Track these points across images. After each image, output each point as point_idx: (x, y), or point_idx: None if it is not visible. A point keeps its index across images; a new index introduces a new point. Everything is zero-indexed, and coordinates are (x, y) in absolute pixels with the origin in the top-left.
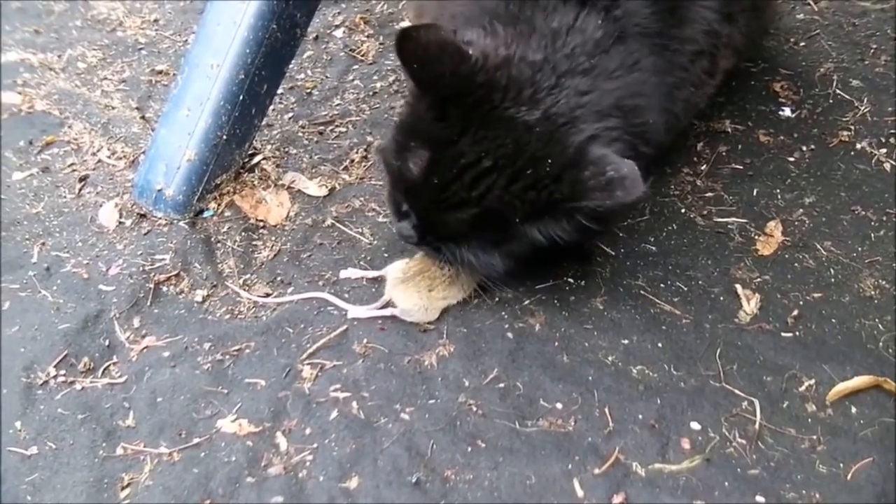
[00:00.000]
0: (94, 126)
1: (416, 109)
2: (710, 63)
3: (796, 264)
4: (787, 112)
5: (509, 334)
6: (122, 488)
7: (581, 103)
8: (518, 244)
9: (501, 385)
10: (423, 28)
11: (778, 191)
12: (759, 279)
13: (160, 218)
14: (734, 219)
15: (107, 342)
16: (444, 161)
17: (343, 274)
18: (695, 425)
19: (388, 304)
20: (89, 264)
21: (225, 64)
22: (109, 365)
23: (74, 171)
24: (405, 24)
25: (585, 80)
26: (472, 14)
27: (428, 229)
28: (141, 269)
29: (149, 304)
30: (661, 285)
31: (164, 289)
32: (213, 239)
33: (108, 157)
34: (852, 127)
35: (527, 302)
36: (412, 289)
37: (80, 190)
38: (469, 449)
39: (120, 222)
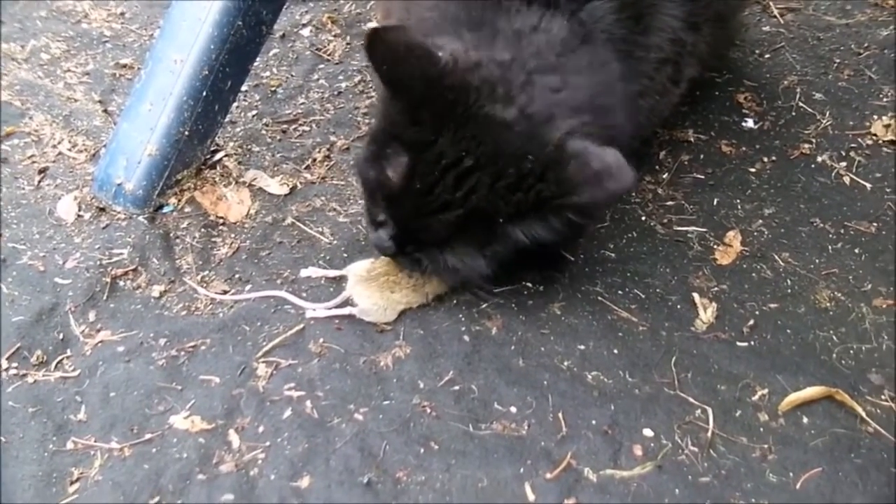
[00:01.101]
0: (55, 118)
1: (388, 115)
2: (675, 71)
3: (754, 274)
4: (749, 123)
5: (466, 337)
6: (72, 483)
7: (555, 100)
8: (503, 245)
9: (456, 387)
10: (393, 29)
11: (738, 201)
12: (716, 288)
13: (119, 212)
14: (694, 228)
15: (61, 335)
16: (424, 164)
17: (303, 273)
18: (648, 432)
19: (346, 303)
20: (46, 257)
21: (189, 59)
22: (63, 358)
23: (34, 162)
24: (373, 24)
25: (556, 78)
26: (438, 18)
27: (409, 237)
28: (98, 262)
29: (105, 298)
30: (619, 292)
31: (121, 283)
32: (171, 235)
33: (69, 150)
34: (813, 140)
35: (484, 305)
36: (374, 289)
37: (39, 182)
38: (422, 451)
39: (78, 215)
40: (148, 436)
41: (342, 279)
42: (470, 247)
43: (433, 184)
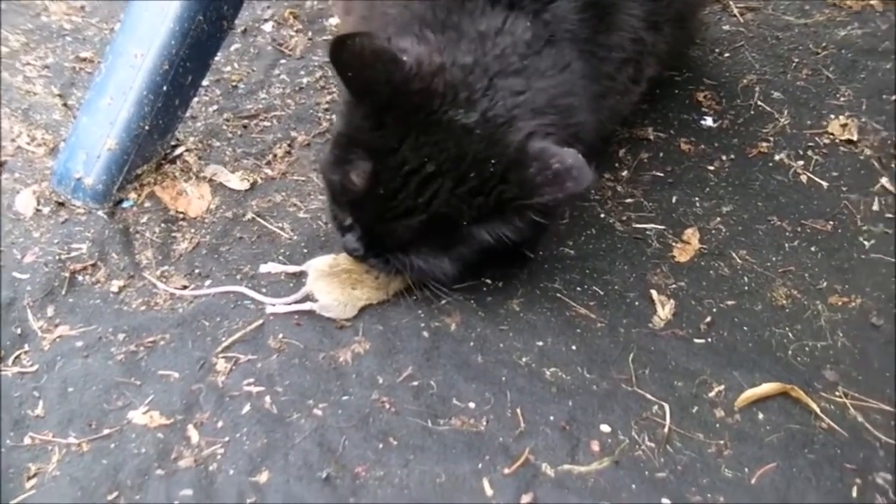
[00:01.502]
0: (14, 111)
1: (352, 119)
2: (636, 71)
3: (711, 272)
4: (708, 122)
5: (425, 333)
6: (29, 478)
7: (517, 103)
8: (467, 247)
9: (415, 383)
10: (358, 36)
11: (697, 199)
12: (674, 285)
13: (78, 207)
14: (653, 225)
15: (19, 330)
16: (387, 170)
17: (263, 268)
18: (605, 428)
19: (307, 298)
20: (4, 251)
21: (149, 54)
22: (21, 353)
23: None
24: (334, 20)
25: (519, 80)
26: (401, 17)
27: (375, 241)
28: (57, 257)
29: (64, 293)
30: (578, 289)
31: (80, 278)
32: (131, 229)
33: (28, 144)
34: (772, 138)
35: (443, 302)
36: (335, 284)
37: None
38: (380, 446)
39: (37, 210)
40: (106, 431)
41: (302, 275)
42: (435, 249)
43: (396, 190)
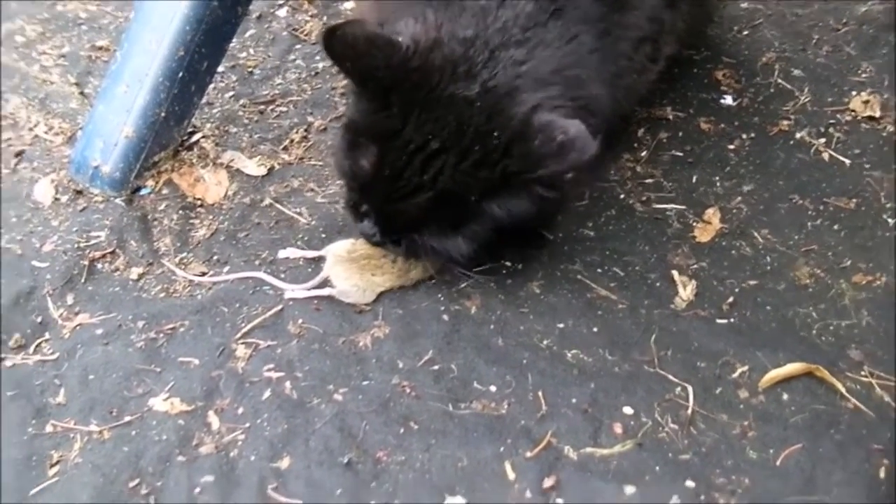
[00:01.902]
0: (31, 101)
1: (357, 106)
2: (653, 49)
3: (733, 251)
4: (728, 100)
5: (445, 317)
6: (51, 466)
7: (519, 73)
8: (479, 224)
9: (436, 367)
10: (349, 24)
11: (717, 178)
12: (695, 266)
13: (96, 195)
14: (673, 205)
15: (39, 319)
16: (392, 151)
17: (282, 254)
18: (628, 410)
19: (325, 283)
20: (23, 240)
21: (164, 40)
22: (41, 342)
23: (10, 146)
24: (349, 4)
25: (520, 51)
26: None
27: (388, 224)
28: (76, 245)
29: (83, 281)
30: (598, 270)
31: (99, 266)
32: (149, 217)
33: (45, 133)
34: (792, 117)
35: (463, 285)
36: (354, 270)
37: (16, 165)
38: (401, 430)
39: (56, 198)
40: (127, 418)
41: (320, 260)
42: (446, 228)
43: (402, 169)
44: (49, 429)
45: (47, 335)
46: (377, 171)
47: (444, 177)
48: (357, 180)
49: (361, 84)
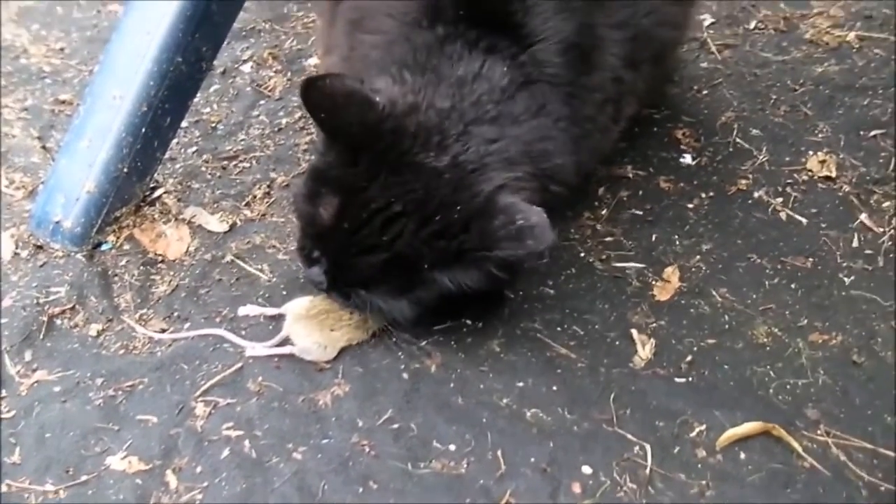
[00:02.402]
0: None
1: (325, 156)
2: (615, 110)
3: (692, 310)
4: (687, 159)
5: (405, 375)
6: None
7: (490, 151)
8: (426, 291)
9: (395, 426)
10: (329, 77)
11: (676, 237)
12: (654, 324)
13: (57, 250)
14: (632, 263)
15: None
16: (354, 206)
17: (242, 311)
18: (586, 469)
19: (286, 341)
20: None
21: (128, 96)
22: None
23: None
24: (314, 60)
25: (493, 129)
26: (381, 59)
27: (338, 275)
28: (35, 301)
29: (42, 337)
30: (558, 329)
31: (59, 322)
32: (110, 272)
33: (6, 187)
34: (750, 176)
35: (423, 343)
36: (314, 326)
37: None
38: (360, 490)
39: (15, 253)
40: (84, 477)
41: (280, 317)
42: (394, 290)
43: (361, 225)
44: (3, 489)
45: (4, 392)
46: (336, 223)
47: (401, 241)
48: (314, 227)
49: (332, 137)
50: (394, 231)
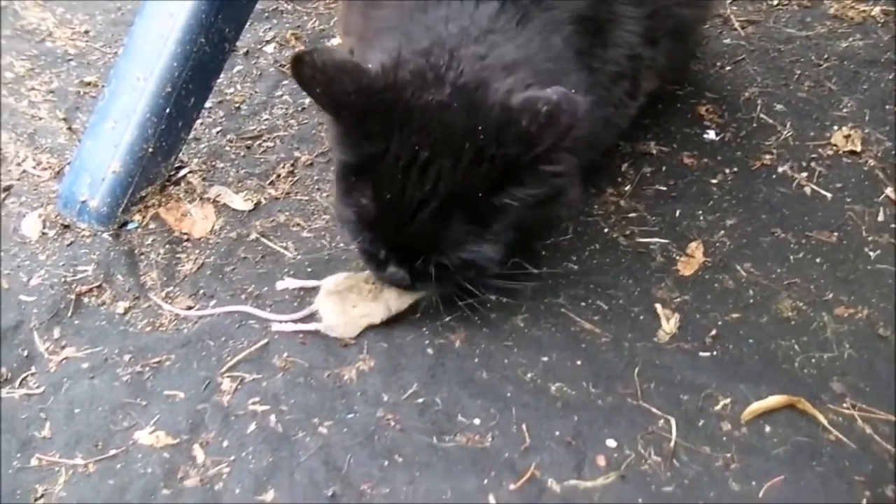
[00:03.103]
0: (19, 136)
1: (339, 144)
2: (632, 86)
3: (716, 285)
4: (711, 135)
5: (429, 350)
6: (36, 499)
7: (484, 66)
8: (499, 222)
9: (420, 400)
10: (317, 52)
11: (700, 212)
12: (678, 299)
13: (84, 229)
14: (656, 239)
15: (25, 353)
16: (385, 174)
17: (280, 285)
18: (611, 442)
19: (312, 316)
20: (10, 275)
21: (152, 77)
22: (27, 376)
23: None
24: (336, 40)
25: (479, 47)
26: (391, 29)
27: (406, 254)
28: (63, 280)
29: (70, 315)
30: (582, 304)
31: (86, 300)
32: (136, 251)
33: (33, 168)
34: (774, 151)
35: (447, 318)
36: (338, 302)
37: (4, 200)
38: (386, 463)
39: (43, 233)
40: (112, 451)
41: (316, 291)
42: (466, 235)
43: (401, 189)
44: (34, 462)
45: (33, 369)
46: (379, 202)
47: (444, 182)
48: (364, 220)
49: (335, 111)
50: (432, 177)
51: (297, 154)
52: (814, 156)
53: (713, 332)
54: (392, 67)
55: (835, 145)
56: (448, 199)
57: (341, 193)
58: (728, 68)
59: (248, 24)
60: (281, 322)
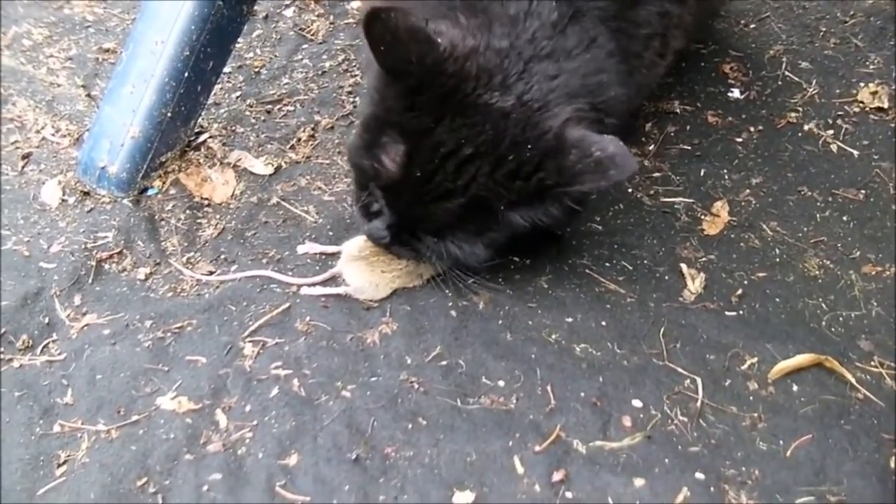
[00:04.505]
0: (38, 103)
1: (383, 100)
2: (662, 45)
3: (742, 244)
4: (735, 93)
5: (453, 312)
6: (59, 465)
7: (552, 87)
8: (500, 232)
9: (444, 363)
10: (394, 11)
11: (725, 171)
12: (704, 259)
13: (103, 195)
14: (681, 199)
15: (46, 320)
16: (422, 152)
17: (301, 249)
18: (637, 403)
19: (335, 279)
20: (31, 242)
21: (170, 40)
22: (49, 342)
23: (18, 148)
24: (356, 3)
25: (551, 65)
26: (426, 1)
27: (407, 226)
28: (83, 246)
29: (90, 281)
30: (607, 264)
31: (107, 266)
32: (156, 217)
33: (53, 135)
34: (800, 108)
35: (471, 280)
36: (366, 267)
37: (23, 167)
38: (410, 426)
39: (63, 200)
40: (135, 417)
41: (337, 256)
42: (469, 234)
43: (433, 171)
44: (56, 429)
45: (55, 336)
46: (405, 171)
47: (477, 183)
48: (379, 179)
49: (392, 75)
50: (468, 175)
51: (317, 118)
52: (840, 113)
53: (739, 292)
54: (463, 55)
55: (861, 102)
56: (473, 199)
57: (364, 143)
58: (752, 26)
59: None
60: (309, 285)
